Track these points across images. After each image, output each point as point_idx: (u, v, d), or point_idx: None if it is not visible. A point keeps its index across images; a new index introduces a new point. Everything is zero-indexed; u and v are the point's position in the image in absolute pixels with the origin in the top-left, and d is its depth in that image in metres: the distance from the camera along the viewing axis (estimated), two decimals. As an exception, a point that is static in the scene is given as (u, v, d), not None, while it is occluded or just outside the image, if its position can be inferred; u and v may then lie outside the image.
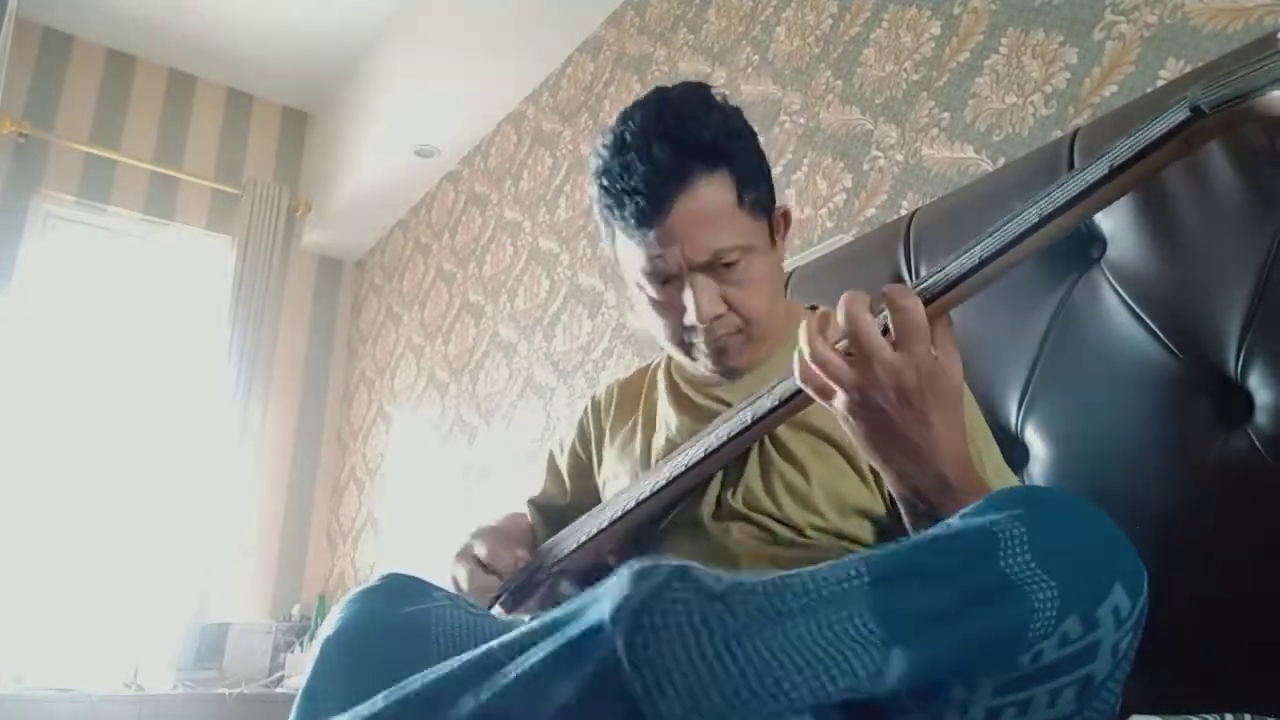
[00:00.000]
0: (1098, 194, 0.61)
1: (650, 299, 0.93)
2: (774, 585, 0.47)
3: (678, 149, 0.85)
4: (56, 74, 3.55)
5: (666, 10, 2.65)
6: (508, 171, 3.27)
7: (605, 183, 0.89)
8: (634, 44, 2.76)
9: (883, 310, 0.65)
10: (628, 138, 0.88)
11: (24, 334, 3.29)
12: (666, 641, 0.43)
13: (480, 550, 0.97)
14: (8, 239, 3.31)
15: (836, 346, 0.67)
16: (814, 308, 1.05)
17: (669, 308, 0.91)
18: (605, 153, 0.90)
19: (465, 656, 0.52)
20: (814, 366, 0.67)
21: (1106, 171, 0.60)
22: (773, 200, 0.95)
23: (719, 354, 0.92)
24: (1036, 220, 0.63)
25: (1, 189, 3.34)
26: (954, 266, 0.66)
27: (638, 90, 2.68)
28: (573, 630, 0.47)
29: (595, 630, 0.46)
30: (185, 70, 3.86)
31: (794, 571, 0.49)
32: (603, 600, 0.46)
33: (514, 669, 0.49)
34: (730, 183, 0.88)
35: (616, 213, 0.89)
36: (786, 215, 0.99)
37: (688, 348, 0.94)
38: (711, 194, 0.87)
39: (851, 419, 0.68)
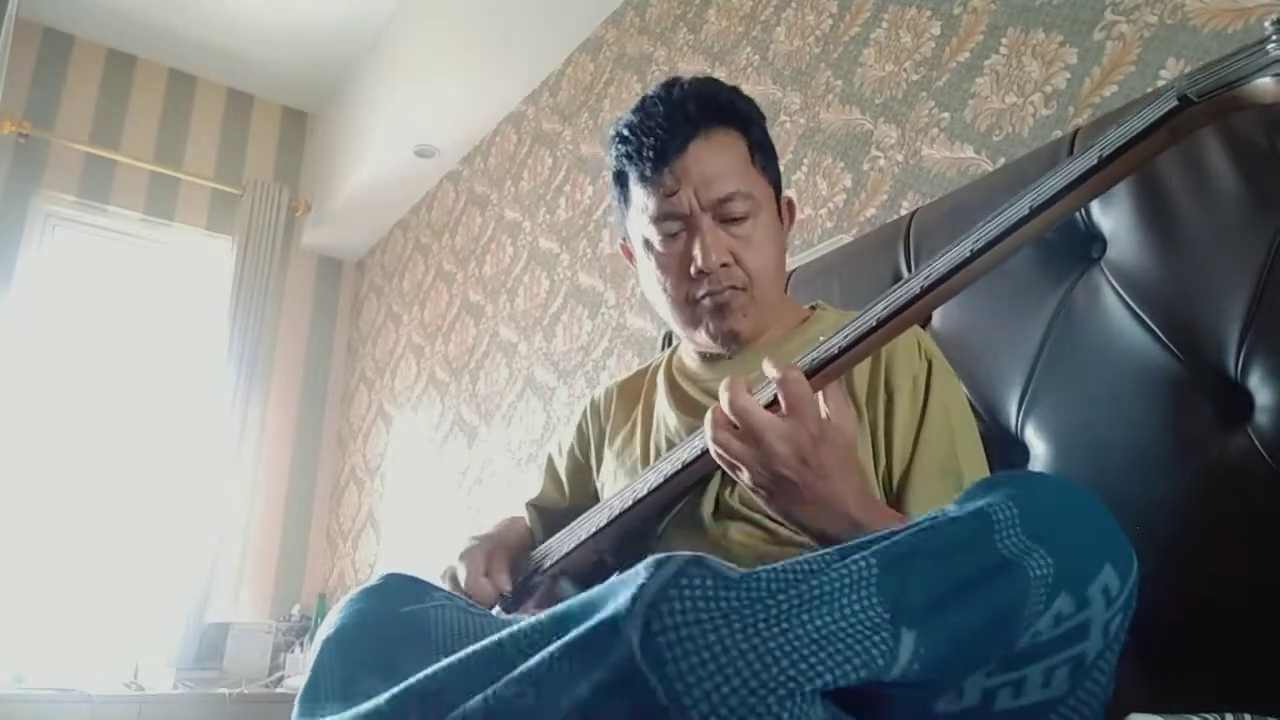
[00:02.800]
0: (1088, 183, 0.61)
1: (656, 255, 0.94)
2: (789, 575, 0.48)
3: (699, 102, 0.92)
4: (56, 74, 3.55)
5: (666, 10, 2.65)
6: (508, 171, 3.27)
7: (626, 133, 0.94)
8: (634, 44, 2.76)
9: (767, 383, 0.72)
10: (648, 95, 0.95)
11: (24, 334, 3.29)
12: (684, 632, 0.43)
13: (461, 575, 0.96)
14: (8, 239, 3.32)
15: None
16: (814, 307, 1.05)
17: (675, 261, 0.93)
18: (627, 113, 0.96)
19: (472, 649, 0.52)
20: (718, 449, 0.73)
21: (1096, 161, 0.60)
22: (780, 180, 0.99)
23: (720, 311, 0.92)
24: (1028, 211, 0.64)
25: (1, 189, 3.34)
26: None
27: (638, 90, 2.68)
28: (587, 624, 0.47)
29: (610, 623, 0.46)
30: (185, 70, 3.86)
31: (804, 560, 0.50)
32: (619, 593, 0.46)
33: (523, 664, 0.48)
34: (744, 142, 0.94)
35: (635, 157, 0.92)
36: (791, 205, 1.02)
37: (691, 307, 0.94)
38: (727, 143, 0.93)
39: (761, 490, 0.73)
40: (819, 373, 0.73)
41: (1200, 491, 0.86)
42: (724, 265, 0.90)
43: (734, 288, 0.92)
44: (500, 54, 3.08)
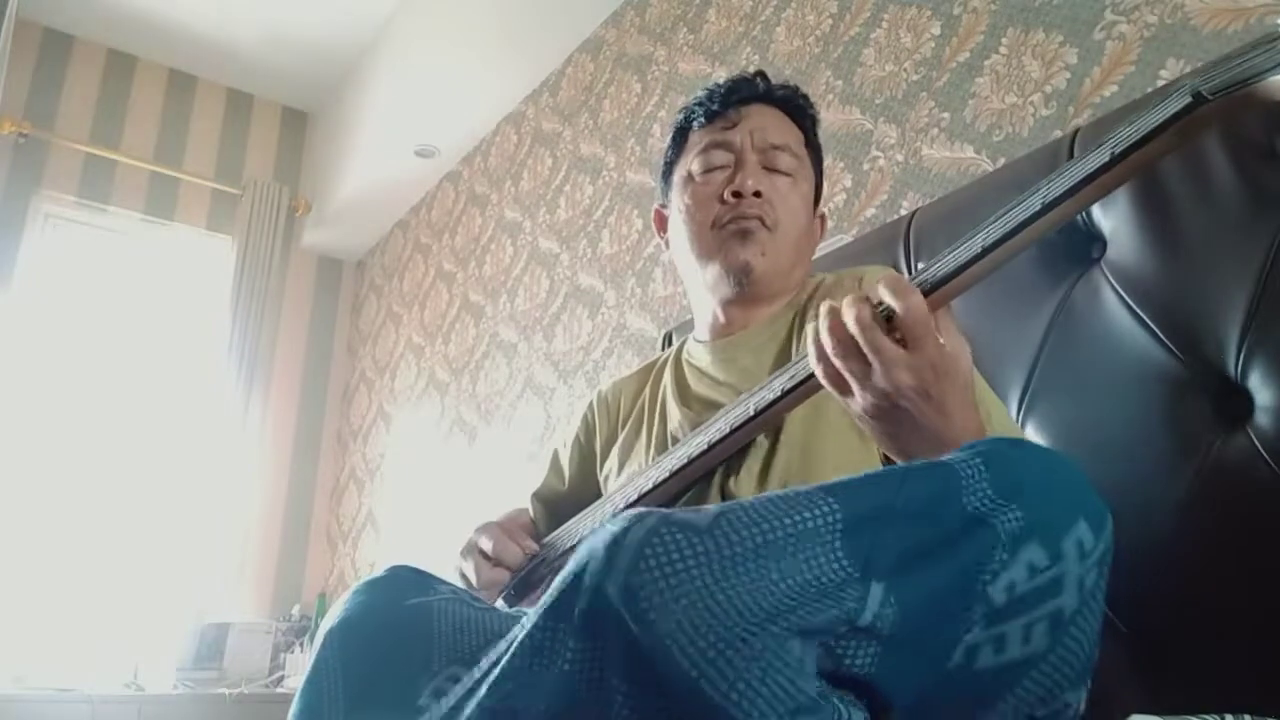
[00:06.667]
0: (1099, 180, 0.61)
1: (694, 187, 1.00)
2: (755, 514, 0.49)
3: (777, 86, 1.04)
4: (56, 74, 3.54)
5: (666, 10, 2.65)
6: (508, 171, 3.27)
7: (701, 91, 1.04)
8: (634, 44, 2.76)
9: (880, 304, 0.65)
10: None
11: (24, 334, 3.29)
12: (660, 578, 0.45)
13: (485, 544, 0.98)
14: (8, 239, 3.31)
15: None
16: None
17: (711, 190, 0.98)
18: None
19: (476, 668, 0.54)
20: (836, 361, 0.66)
21: (1108, 158, 0.60)
22: (821, 189, 1.07)
23: (741, 236, 0.96)
24: (1040, 207, 0.63)
25: (1, 189, 3.34)
26: (956, 254, 0.66)
27: (638, 90, 2.68)
28: (563, 580, 0.49)
29: (583, 572, 0.48)
30: (185, 70, 3.86)
31: (770, 499, 0.51)
32: (593, 543, 0.49)
33: (513, 638, 0.51)
34: (802, 133, 1.04)
35: (703, 106, 1.02)
36: (824, 219, 1.08)
37: (714, 232, 0.97)
38: (788, 122, 1.03)
39: (871, 419, 0.67)
40: (932, 294, 0.66)
41: (1200, 491, 0.86)
42: (757, 194, 0.95)
43: (760, 220, 0.96)
44: (500, 54, 3.08)
